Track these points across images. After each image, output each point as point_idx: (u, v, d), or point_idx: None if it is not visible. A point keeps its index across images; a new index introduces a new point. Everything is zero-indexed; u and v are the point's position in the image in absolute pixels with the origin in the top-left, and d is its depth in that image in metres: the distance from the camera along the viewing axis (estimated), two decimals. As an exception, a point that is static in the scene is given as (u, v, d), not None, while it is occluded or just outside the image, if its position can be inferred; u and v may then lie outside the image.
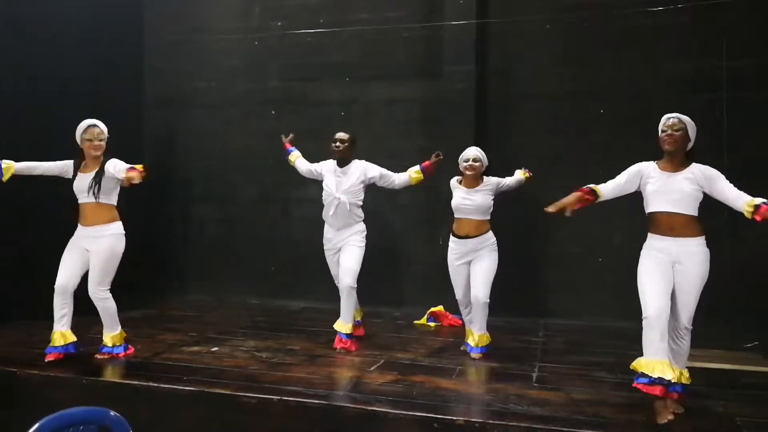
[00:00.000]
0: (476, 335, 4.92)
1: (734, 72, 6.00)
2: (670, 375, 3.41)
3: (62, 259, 4.64)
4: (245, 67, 7.74)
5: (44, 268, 5.73)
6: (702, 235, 3.63)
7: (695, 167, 3.65)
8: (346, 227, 5.22)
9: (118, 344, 4.76)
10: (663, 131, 3.69)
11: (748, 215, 3.42)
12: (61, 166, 4.69)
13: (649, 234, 3.78)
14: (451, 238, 5.04)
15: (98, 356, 4.68)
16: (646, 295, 3.61)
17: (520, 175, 5.20)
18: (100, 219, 4.59)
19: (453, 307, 6.45)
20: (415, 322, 6.32)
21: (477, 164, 4.94)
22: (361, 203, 5.26)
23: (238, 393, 3.86)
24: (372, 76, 7.26)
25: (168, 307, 7.00)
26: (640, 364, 3.52)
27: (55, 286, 4.59)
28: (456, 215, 5.01)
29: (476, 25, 6.69)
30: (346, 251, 5.18)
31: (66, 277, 4.58)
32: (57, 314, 4.61)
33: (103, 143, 4.62)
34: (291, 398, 3.77)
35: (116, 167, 4.51)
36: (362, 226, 5.28)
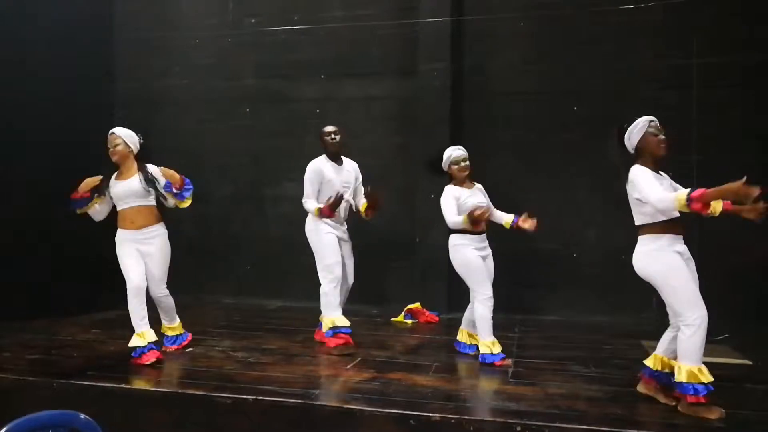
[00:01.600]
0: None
1: (704, 69, 6.09)
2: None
3: (126, 264, 4.64)
4: (219, 65, 7.68)
5: (17, 271, 5.67)
6: None
7: None
8: (343, 223, 5.21)
9: (181, 333, 5.08)
10: (655, 135, 3.61)
11: None
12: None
13: (664, 235, 3.56)
14: (465, 236, 4.67)
15: (165, 348, 4.87)
16: (698, 300, 3.47)
17: (506, 218, 4.80)
18: (149, 221, 4.74)
19: (429, 304, 6.49)
20: (392, 319, 6.33)
21: (468, 163, 4.81)
22: None
23: (213, 393, 3.82)
24: (347, 73, 7.25)
25: (142, 308, 6.92)
26: (701, 376, 3.41)
27: (132, 288, 4.59)
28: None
29: (451, 23, 6.71)
30: (347, 249, 5.20)
31: (140, 278, 4.64)
32: (138, 315, 4.60)
33: (119, 148, 4.69)
34: (266, 398, 3.75)
35: (156, 172, 4.76)
36: None
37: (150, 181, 4.72)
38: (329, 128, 5.10)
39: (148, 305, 4.67)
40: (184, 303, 7.19)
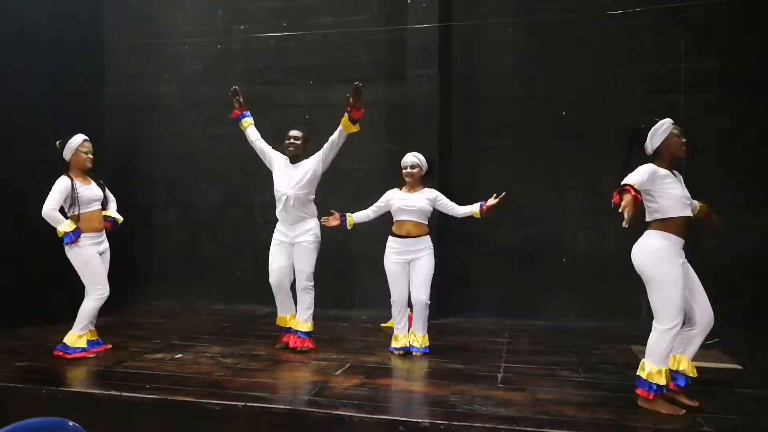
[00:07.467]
0: (419, 336, 5.10)
1: (692, 74, 6.13)
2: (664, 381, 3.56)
3: (97, 272, 4.89)
4: (208, 71, 7.66)
5: (5, 277, 5.63)
6: None
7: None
8: (297, 223, 5.15)
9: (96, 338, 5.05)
10: (678, 136, 3.66)
11: None
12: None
13: (669, 234, 3.58)
14: (391, 238, 5.13)
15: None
16: (676, 306, 3.53)
17: (473, 209, 5.08)
18: (104, 224, 5.06)
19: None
20: (382, 324, 6.31)
21: (415, 170, 5.11)
22: (311, 198, 5.21)
23: (202, 400, 3.81)
24: (336, 79, 7.23)
25: (131, 314, 6.89)
26: (651, 375, 3.55)
27: (104, 297, 4.95)
28: (397, 217, 5.13)
29: (439, 29, 6.72)
30: (297, 251, 5.15)
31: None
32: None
33: (92, 156, 5.02)
34: (255, 404, 3.74)
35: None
36: (313, 223, 5.19)
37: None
38: (291, 132, 5.30)
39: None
40: (174, 309, 7.24)
